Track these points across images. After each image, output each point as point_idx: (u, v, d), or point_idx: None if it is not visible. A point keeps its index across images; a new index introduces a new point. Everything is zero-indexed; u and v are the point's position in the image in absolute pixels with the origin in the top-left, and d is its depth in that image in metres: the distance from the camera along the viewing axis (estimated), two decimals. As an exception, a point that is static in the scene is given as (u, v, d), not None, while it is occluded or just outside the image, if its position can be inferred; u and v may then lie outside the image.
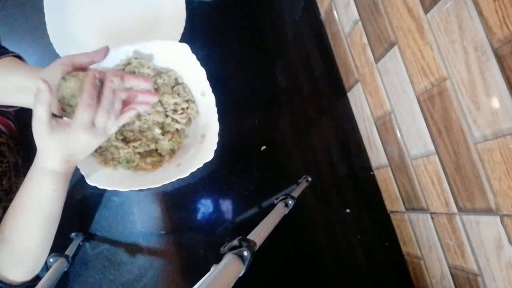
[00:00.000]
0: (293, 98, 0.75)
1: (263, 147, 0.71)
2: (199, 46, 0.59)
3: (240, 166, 0.71)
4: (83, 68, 0.45)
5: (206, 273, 0.34)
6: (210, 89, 0.57)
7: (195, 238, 0.68)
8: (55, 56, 0.64)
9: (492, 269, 0.48)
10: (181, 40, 0.66)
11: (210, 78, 0.57)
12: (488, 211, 0.46)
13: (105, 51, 0.46)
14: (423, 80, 0.51)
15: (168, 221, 0.68)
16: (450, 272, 0.57)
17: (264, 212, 0.50)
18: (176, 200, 0.69)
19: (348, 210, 0.72)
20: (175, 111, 0.60)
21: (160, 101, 0.58)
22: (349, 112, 0.76)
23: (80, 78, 0.43)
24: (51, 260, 0.55)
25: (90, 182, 0.55)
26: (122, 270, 0.66)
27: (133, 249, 0.67)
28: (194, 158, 0.57)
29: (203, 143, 0.58)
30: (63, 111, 0.44)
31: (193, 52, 0.56)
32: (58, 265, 0.55)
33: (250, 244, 0.37)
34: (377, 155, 0.71)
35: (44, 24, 0.65)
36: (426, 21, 0.47)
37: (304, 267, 0.69)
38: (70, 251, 0.60)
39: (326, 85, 0.76)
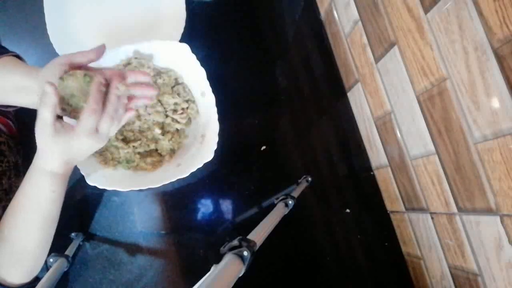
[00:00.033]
0: (293, 98, 0.75)
1: (263, 147, 0.71)
2: (199, 46, 0.59)
3: (240, 166, 0.71)
4: (81, 67, 0.45)
5: (206, 273, 0.34)
6: (210, 89, 0.57)
7: (195, 238, 0.68)
8: (55, 56, 0.63)
9: (492, 269, 0.48)
10: (181, 40, 0.66)
11: (210, 78, 0.57)
12: (488, 211, 0.46)
13: (102, 49, 0.45)
14: (423, 80, 0.51)
15: (168, 221, 0.68)
16: (450, 272, 0.57)
17: (264, 212, 0.50)
18: (176, 200, 0.69)
19: (348, 210, 0.72)
20: (175, 111, 0.60)
21: (160, 101, 0.58)
22: (349, 112, 0.76)
23: (78, 77, 0.43)
24: (51, 260, 0.55)
25: (90, 182, 0.55)
26: (122, 270, 0.66)
27: (133, 249, 0.67)
28: (194, 158, 0.57)
29: (203, 143, 0.58)
30: (63, 110, 0.44)
31: (193, 52, 0.56)
32: (58, 265, 0.55)
33: (250, 244, 0.37)
34: (377, 155, 0.71)
35: (44, 24, 0.65)
36: (426, 21, 0.47)
37: (304, 267, 0.69)
38: (70, 251, 0.60)
39: (326, 85, 0.76)
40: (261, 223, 0.47)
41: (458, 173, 0.49)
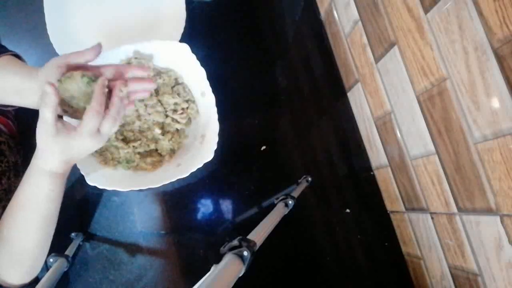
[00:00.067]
0: (293, 98, 0.75)
1: (263, 147, 0.71)
2: (199, 46, 0.59)
3: (240, 166, 0.71)
4: (78, 67, 0.45)
5: (206, 273, 0.34)
6: (210, 89, 0.57)
7: (195, 238, 0.68)
8: (55, 56, 0.64)
9: (492, 269, 0.48)
10: (181, 40, 0.66)
11: (210, 78, 0.57)
12: (488, 211, 0.46)
13: (98, 48, 0.45)
14: (423, 80, 0.51)
15: (168, 221, 0.68)
16: (450, 272, 0.57)
17: (264, 212, 0.50)
18: (176, 200, 0.69)
19: (348, 210, 0.72)
20: (175, 111, 0.60)
21: (160, 101, 0.58)
22: (349, 112, 0.76)
23: (76, 79, 0.43)
24: (51, 260, 0.55)
25: (90, 182, 0.55)
26: (122, 270, 0.66)
27: (133, 249, 0.67)
28: (194, 158, 0.57)
29: (203, 143, 0.58)
30: (64, 112, 0.44)
31: (193, 52, 0.56)
32: (58, 265, 0.55)
33: (250, 244, 0.37)
34: (377, 155, 0.71)
35: (44, 24, 0.65)
36: (426, 21, 0.47)
37: (304, 267, 0.69)
38: (70, 251, 0.60)
39: (326, 85, 0.76)
40: (261, 223, 0.47)
41: (458, 173, 0.49)
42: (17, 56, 0.52)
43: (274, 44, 0.77)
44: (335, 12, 0.71)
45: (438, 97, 0.49)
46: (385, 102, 0.63)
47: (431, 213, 0.59)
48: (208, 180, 0.69)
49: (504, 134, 0.40)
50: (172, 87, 0.59)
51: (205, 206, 0.69)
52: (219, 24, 0.75)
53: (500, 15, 0.37)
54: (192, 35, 0.68)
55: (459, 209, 0.51)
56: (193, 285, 0.32)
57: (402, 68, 0.55)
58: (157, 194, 0.69)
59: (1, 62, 0.47)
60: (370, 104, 0.68)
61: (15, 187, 0.47)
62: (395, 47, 0.55)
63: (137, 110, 0.58)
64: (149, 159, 0.59)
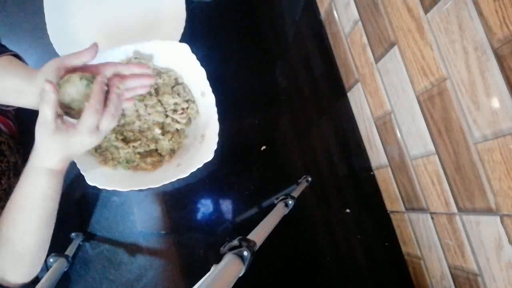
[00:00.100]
0: (293, 98, 0.75)
1: (263, 147, 0.71)
2: (199, 46, 0.59)
3: (240, 166, 0.71)
4: (76, 69, 0.45)
5: (206, 273, 0.34)
6: (210, 89, 0.57)
7: (195, 238, 0.68)
8: (55, 56, 0.64)
9: (492, 269, 0.48)
10: (181, 40, 0.66)
11: (210, 78, 0.57)
12: (488, 211, 0.46)
13: (95, 48, 0.45)
14: (423, 80, 0.51)
15: (168, 221, 0.68)
16: (450, 272, 0.57)
17: (264, 212, 0.50)
18: (176, 200, 0.69)
19: (348, 210, 0.72)
20: (175, 111, 0.60)
21: (160, 101, 0.58)
22: (349, 112, 0.76)
23: (75, 82, 0.43)
24: (51, 260, 0.55)
25: (90, 182, 0.55)
26: (122, 270, 0.66)
27: (133, 249, 0.67)
28: (194, 158, 0.57)
29: (203, 143, 0.58)
30: (66, 114, 0.45)
31: (193, 52, 0.56)
32: (58, 265, 0.55)
33: (250, 244, 0.37)
34: (377, 155, 0.71)
35: (44, 24, 0.65)
36: (426, 21, 0.47)
37: (304, 267, 0.69)
38: (70, 251, 0.60)
39: (326, 85, 0.76)
40: (261, 223, 0.47)
41: (458, 173, 0.49)
42: (17, 56, 0.51)
43: (274, 44, 0.77)
44: (335, 12, 0.71)
45: (438, 97, 0.49)
46: (385, 102, 0.63)
47: (431, 213, 0.59)
48: (208, 180, 0.69)
49: (504, 134, 0.40)
50: (172, 87, 0.59)
51: (205, 206, 0.69)
52: (219, 24, 0.75)
53: (500, 15, 0.37)
54: (192, 35, 0.68)
55: (459, 209, 0.51)
56: (193, 285, 0.32)
57: (402, 68, 0.55)
58: (157, 194, 0.69)
59: (1, 63, 0.47)
60: (370, 104, 0.68)
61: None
62: (395, 47, 0.55)
63: (137, 110, 0.58)
64: (149, 159, 0.59)
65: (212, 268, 0.34)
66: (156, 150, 0.61)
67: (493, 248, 0.46)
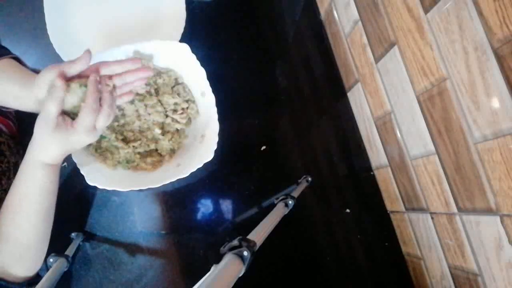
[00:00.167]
0: (293, 98, 0.75)
1: (263, 147, 0.71)
2: (199, 46, 0.59)
3: (240, 166, 0.71)
4: (71, 78, 0.45)
5: (206, 273, 0.34)
6: (210, 89, 0.57)
7: (195, 238, 0.68)
8: (55, 56, 0.64)
9: (492, 269, 0.48)
10: (181, 40, 0.66)
11: (210, 78, 0.57)
12: (488, 211, 0.46)
13: (88, 55, 0.45)
14: (423, 80, 0.51)
15: (168, 221, 0.68)
16: (450, 272, 0.57)
17: (264, 212, 0.50)
18: (176, 200, 0.69)
19: (348, 210, 0.72)
20: (175, 111, 0.60)
21: (160, 101, 0.58)
22: (349, 112, 0.76)
23: (75, 91, 0.44)
24: (51, 260, 0.55)
25: (90, 182, 0.55)
26: (122, 270, 0.66)
27: (133, 249, 0.67)
28: (194, 158, 0.57)
29: (203, 143, 0.58)
30: (71, 119, 0.45)
31: (193, 52, 0.56)
32: (58, 265, 0.55)
33: (250, 244, 0.37)
34: (377, 155, 0.71)
35: (44, 24, 0.65)
36: (426, 21, 0.47)
37: (304, 267, 0.69)
38: (70, 251, 0.60)
39: (326, 85, 0.76)
40: (261, 223, 0.47)
41: (458, 173, 0.49)
42: (16, 59, 0.52)
43: (274, 44, 0.77)
44: (335, 12, 0.71)
45: (438, 97, 0.49)
46: (385, 102, 0.63)
47: (431, 213, 0.59)
48: (208, 180, 0.69)
49: (504, 134, 0.40)
50: (172, 87, 0.59)
51: (205, 206, 0.69)
52: (219, 24, 0.75)
53: (500, 15, 0.37)
54: (192, 35, 0.68)
55: (459, 209, 0.51)
56: (193, 285, 0.32)
57: (402, 68, 0.55)
58: (157, 194, 0.69)
59: (0, 67, 0.47)
60: (370, 104, 0.68)
61: None
62: (395, 47, 0.55)
63: (137, 110, 0.58)
64: (149, 159, 0.59)
65: (212, 268, 0.34)
66: (156, 150, 0.61)
67: (493, 248, 0.46)
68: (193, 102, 0.61)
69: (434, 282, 0.63)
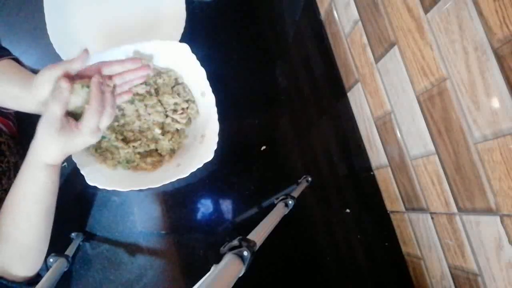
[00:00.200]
0: (293, 98, 0.75)
1: (263, 147, 0.71)
2: (199, 46, 0.59)
3: (240, 166, 0.71)
4: (73, 78, 0.45)
5: (206, 273, 0.34)
6: (210, 89, 0.57)
7: (195, 238, 0.68)
8: (55, 56, 0.64)
9: (492, 269, 0.48)
10: (181, 40, 0.66)
11: (210, 78, 0.57)
12: (488, 211, 0.46)
13: (85, 55, 0.45)
14: (423, 80, 0.51)
15: (168, 221, 0.68)
16: (450, 272, 0.57)
17: (264, 212, 0.50)
18: (176, 200, 0.69)
19: (348, 210, 0.72)
20: (175, 111, 0.60)
21: (160, 101, 0.58)
22: (349, 112, 0.76)
23: (78, 92, 0.44)
24: (51, 260, 0.55)
25: (90, 182, 0.55)
26: (122, 270, 0.66)
27: (133, 249, 0.67)
28: (194, 158, 0.57)
29: (203, 143, 0.58)
30: (75, 120, 0.46)
31: (193, 52, 0.56)
32: (58, 265, 0.55)
33: (250, 244, 0.37)
34: (377, 155, 0.71)
35: (44, 24, 0.65)
36: (426, 21, 0.47)
37: (304, 267, 0.69)
38: (70, 251, 0.60)
39: (326, 85, 0.76)
40: (261, 223, 0.47)
41: (458, 173, 0.49)
42: (16, 60, 0.52)
43: (274, 44, 0.76)
44: (335, 12, 0.71)
45: (438, 97, 0.49)
46: (385, 102, 0.63)
47: (431, 213, 0.59)
48: (208, 180, 0.69)
49: (504, 134, 0.40)
50: (172, 87, 0.59)
51: (205, 206, 0.69)
52: (219, 24, 0.75)
53: (500, 15, 0.37)
54: (192, 35, 0.68)
55: (459, 209, 0.51)
56: (193, 285, 0.32)
57: (402, 68, 0.55)
58: (157, 194, 0.69)
59: (0, 68, 0.47)
60: (370, 104, 0.68)
61: None
62: (395, 47, 0.55)
63: (137, 110, 0.58)
64: (149, 159, 0.59)
65: (212, 268, 0.34)
66: (156, 150, 0.61)
67: (493, 248, 0.46)
68: (193, 102, 0.61)
69: (434, 282, 0.63)
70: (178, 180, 0.55)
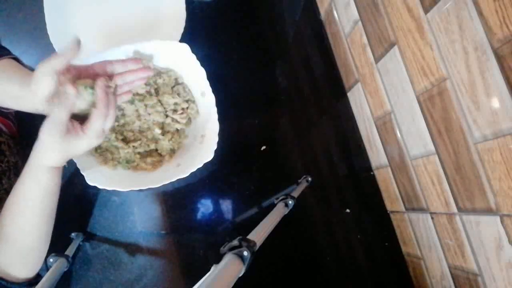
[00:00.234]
0: (293, 98, 0.75)
1: (263, 147, 0.71)
2: (199, 46, 0.59)
3: (240, 166, 0.71)
4: (69, 69, 0.45)
5: (206, 273, 0.34)
6: (210, 89, 0.57)
7: (195, 238, 0.68)
8: (55, 56, 0.64)
9: (492, 269, 0.48)
10: (181, 40, 0.66)
11: (210, 78, 0.57)
12: (488, 211, 0.46)
13: (77, 44, 0.43)
14: (423, 80, 0.51)
15: (168, 221, 0.68)
16: (450, 272, 0.57)
17: (264, 212, 0.50)
18: (176, 200, 0.69)
19: (348, 210, 0.72)
20: (175, 111, 0.60)
21: (160, 101, 0.58)
22: (349, 112, 0.76)
23: (80, 93, 0.44)
24: (51, 260, 0.55)
25: (90, 182, 0.55)
26: (122, 270, 0.66)
27: (133, 249, 0.67)
28: (194, 158, 0.57)
29: (203, 143, 0.58)
30: (81, 124, 0.46)
31: (193, 52, 0.56)
32: (58, 265, 0.55)
33: (250, 244, 0.37)
34: (377, 155, 0.71)
35: (44, 24, 0.65)
36: (426, 21, 0.47)
37: (304, 267, 0.69)
38: (70, 251, 0.60)
39: (326, 85, 0.76)
40: (261, 223, 0.47)
41: (458, 173, 0.49)
42: (16, 59, 0.51)
43: (274, 44, 0.77)
44: (335, 12, 0.71)
45: (438, 97, 0.49)
46: (385, 102, 0.63)
47: (431, 213, 0.59)
48: (208, 180, 0.69)
49: (504, 134, 0.40)
50: (172, 87, 0.59)
51: (205, 206, 0.69)
52: (219, 24, 0.75)
53: (500, 15, 0.37)
54: (192, 35, 0.68)
55: (459, 209, 0.51)
56: (193, 285, 0.32)
57: (402, 68, 0.55)
58: (157, 194, 0.69)
59: (0, 67, 0.47)
60: (370, 104, 0.68)
61: None
62: (395, 47, 0.55)
63: (137, 110, 0.58)
64: (149, 159, 0.59)
65: (212, 268, 0.34)
66: (156, 150, 0.61)
67: (493, 248, 0.46)
68: (193, 102, 0.61)
69: (434, 282, 0.63)
70: (178, 180, 0.55)
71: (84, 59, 0.50)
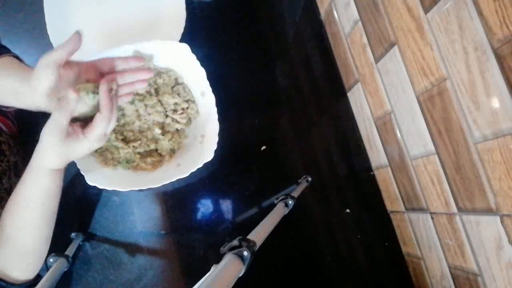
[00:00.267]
0: (293, 98, 0.75)
1: (263, 147, 0.71)
2: (199, 46, 0.59)
3: (240, 166, 0.71)
4: (69, 63, 0.45)
5: (206, 273, 0.34)
6: (210, 89, 0.57)
7: (195, 238, 0.68)
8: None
9: (492, 269, 0.48)
10: (181, 40, 0.66)
11: (210, 78, 0.57)
12: (488, 211, 0.46)
13: (78, 36, 0.44)
14: (423, 80, 0.51)
15: (168, 221, 0.68)
16: (450, 272, 0.57)
17: (264, 212, 0.50)
18: (176, 200, 0.69)
19: (348, 210, 0.72)
20: (175, 111, 0.60)
21: (160, 101, 0.58)
22: (349, 112, 0.76)
23: (82, 98, 0.44)
24: (51, 260, 0.55)
25: (90, 182, 0.55)
26: (122, 270, 0.66)
27: (133, 249, 0.67)
28: (194, 158, 0.57)
29: (203, 143, 0.58)
30: (82, 127, 0.46)
31: (193, 52, 0.56)
32: (58, 265, 0.55)
33: (250, 244, 0.37)
34: (377, 155, 0.71)
35: (44, 24, 0.65)
36: (426, 21, 0.47)
37: (304, 267, 0.69)
38: (70, 251, 0.60)
39: (326, 85, 0.76)
40: (261, 223, 0.47)
41: (458, 173, 0.49)
42: (16, 58, 0.51)
43: (274, 44, 0.76)
44: (335, 12, 0.71)
45: (438, 97, 0.49)
46: (385, 102, 0.63)
47: (431, 213, 0.59)
48: (208, 180, 0.69)
49: (504, 134, 0.40)
50: (172, 87, 0.59)
51: (205, 206, 0.69)
52: (219, 24, 0.75)
53: (500, 15, 0.37)
54: (192, 35, 0.68)
55: (459, 209, 0.51)
56: (193, 285, 0.32)
57: (402, 68, 0.55)
58: (157, 194, 0.69)
59: (1, 64, 0.47)
60: (370, 104, 0.68)
61: None
62: (395, 47, 0.55)
63: (137, 110, 0.58)
64: (149, 159, 0.59)
65: (212, 268, 0.34)
66: (156, 150, 0.61)
67: (493, 248, 0.46)
68: (193, 102, 0.61)
69: (434, 282, 0.63)
70: (178, 180, 0.55)
71: (84, 59, 0.50)
